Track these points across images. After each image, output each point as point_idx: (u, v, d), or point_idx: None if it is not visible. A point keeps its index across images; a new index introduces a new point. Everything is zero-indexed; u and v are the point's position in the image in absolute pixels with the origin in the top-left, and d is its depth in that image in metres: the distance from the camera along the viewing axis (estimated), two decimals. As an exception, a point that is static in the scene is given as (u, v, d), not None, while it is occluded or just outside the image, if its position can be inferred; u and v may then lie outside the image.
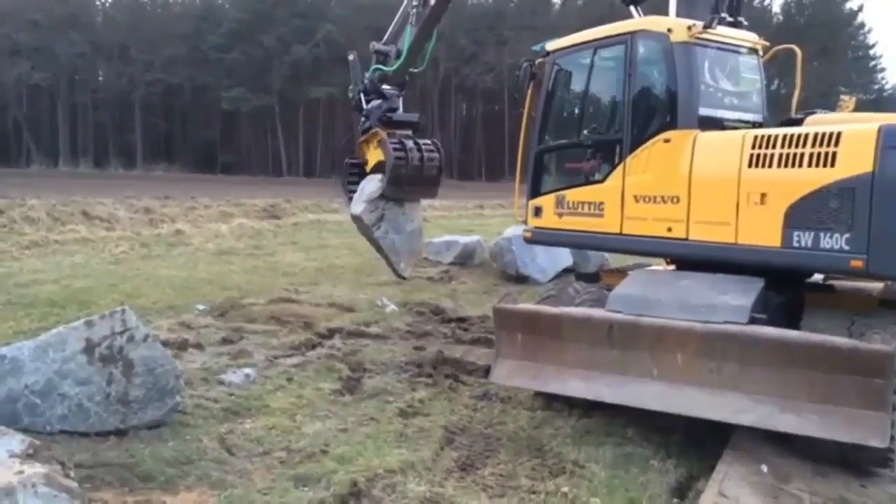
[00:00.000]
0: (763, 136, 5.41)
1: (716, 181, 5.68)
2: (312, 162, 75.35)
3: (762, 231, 5.35)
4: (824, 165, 5.00)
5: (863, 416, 4.45)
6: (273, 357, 7.37)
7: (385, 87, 9.96)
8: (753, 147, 5.42)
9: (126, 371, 5.11)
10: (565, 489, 4.60)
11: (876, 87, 69.29)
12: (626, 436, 5.50)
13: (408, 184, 9.96)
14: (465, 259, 14.79)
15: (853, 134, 4.94)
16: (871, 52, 70.67)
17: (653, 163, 6.09)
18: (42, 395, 4.89)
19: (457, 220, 24.85)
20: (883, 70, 72.16)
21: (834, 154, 4.95)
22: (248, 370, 6.72)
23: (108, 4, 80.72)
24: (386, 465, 4.79)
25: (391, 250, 10.47)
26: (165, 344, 6.64)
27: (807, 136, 5.14)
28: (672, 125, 6.02)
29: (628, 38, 6.27)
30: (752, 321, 5.00)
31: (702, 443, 5.28)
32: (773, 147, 5.30)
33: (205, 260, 14.60)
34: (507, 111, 66.28)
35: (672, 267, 6.57)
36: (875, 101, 61.11)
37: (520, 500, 4.48)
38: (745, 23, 6.92)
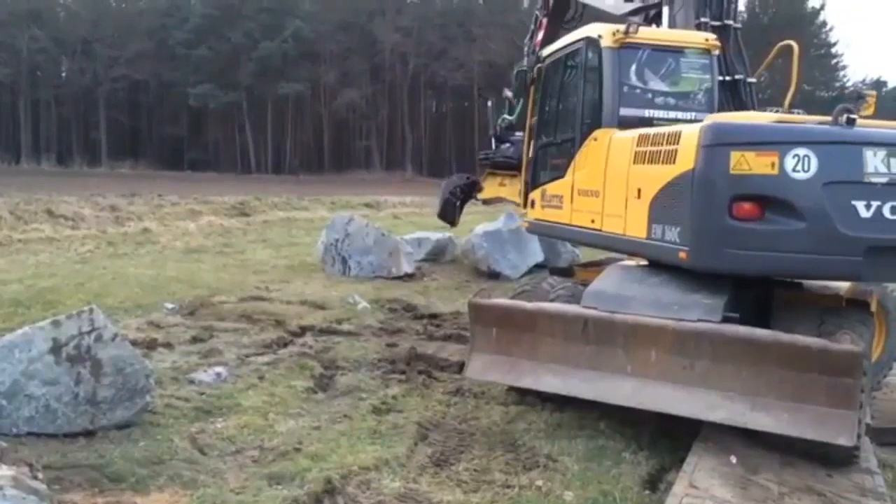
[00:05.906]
0: (643, 135, 5.75)
1: (616, 177, 6.06)
2: (281, 158, 74.80)
3: (637, 223, 5.70)
4: (669, 163, 5.28)
5: (831, 415, 4.51)
6: (244, 355, 7.29)
7: (517, 133, 10.55)
8: (637, 145, 5.77)
9: (94, 371, 5.01)
10: (539, 483, 4.62)
11: (838, 84, 70.63)
12: (598, 429, 5.54)
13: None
14: (437, 256, 14.81)
15: (687, 132, 5.18)
16: (833, 49, 72.12)
17: (587, 160, 6.57)
18: (8, 396, 4.78)
19: (428, 218, 24.81)
20: (845, 67, 73.72)
21: (675, 152, 5.23)
22: (218, 369, 6.64)
23: (70, -1, 79.33)
24: (360, 461, 4.77)
25: None
26: (134, 343, 6.55)
27: (664, 134, 5.45)
28: (598, 125, 6.43)
29: (581, 45, 6.81)
30: (725, 320, 5.05)
31: (673, 435, 5.33)
32: (648, 145, 5.63)
33: (173, 258, 14.42)
34: (476, 107, 66.29)
35: (644, 262, 6.64)
36: (838, 99, 62.19)
37: (494, 494, 4.49)
38: (738, 26, 7.15)
